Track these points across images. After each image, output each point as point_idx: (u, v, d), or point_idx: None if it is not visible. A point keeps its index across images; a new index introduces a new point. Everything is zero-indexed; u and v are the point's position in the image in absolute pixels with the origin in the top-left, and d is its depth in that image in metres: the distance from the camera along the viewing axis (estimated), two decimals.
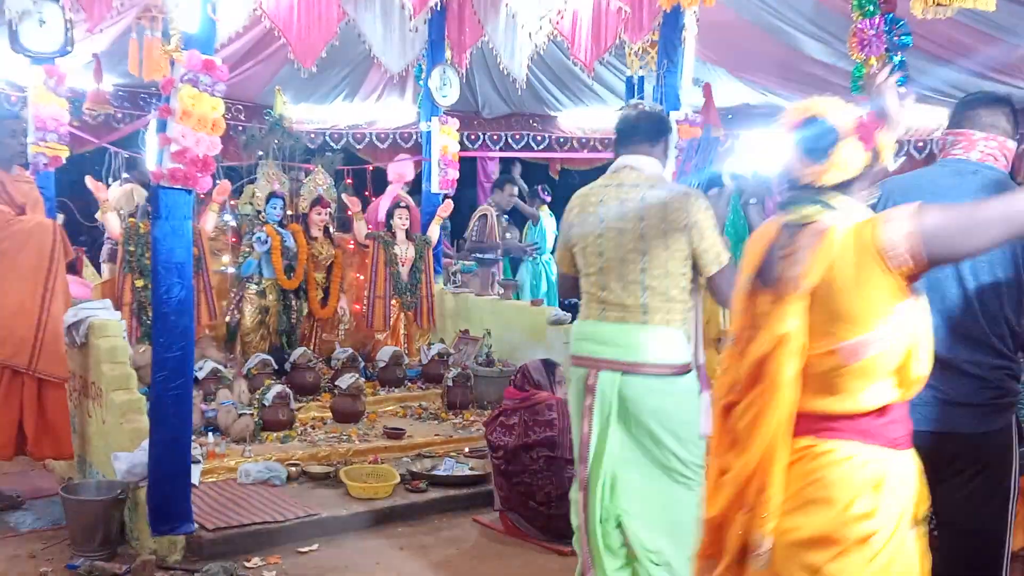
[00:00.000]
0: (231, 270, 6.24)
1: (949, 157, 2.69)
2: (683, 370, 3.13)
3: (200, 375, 5.31)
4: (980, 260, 2.52)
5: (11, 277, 4.32)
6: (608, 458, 3.13)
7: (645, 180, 3.18)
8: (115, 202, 6.27)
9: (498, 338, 6.42)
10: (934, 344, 2.51)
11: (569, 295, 3.50)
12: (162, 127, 3.89)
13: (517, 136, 10.28)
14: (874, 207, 2.65)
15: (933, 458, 2.56)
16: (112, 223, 5.71)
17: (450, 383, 6.00)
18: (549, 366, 4.69)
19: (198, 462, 4.50)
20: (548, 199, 9.32)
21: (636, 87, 6.01)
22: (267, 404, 5.26)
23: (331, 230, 6.63)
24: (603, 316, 3.19)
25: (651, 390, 3.08)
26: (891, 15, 4.45)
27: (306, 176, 6.59)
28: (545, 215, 9.00)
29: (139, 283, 5.43)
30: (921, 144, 8.60)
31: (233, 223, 6.37)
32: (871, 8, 4.29)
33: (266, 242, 6.07)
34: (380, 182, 7.28)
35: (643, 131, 3.24)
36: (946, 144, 2.72)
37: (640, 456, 3.14)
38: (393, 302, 6.65)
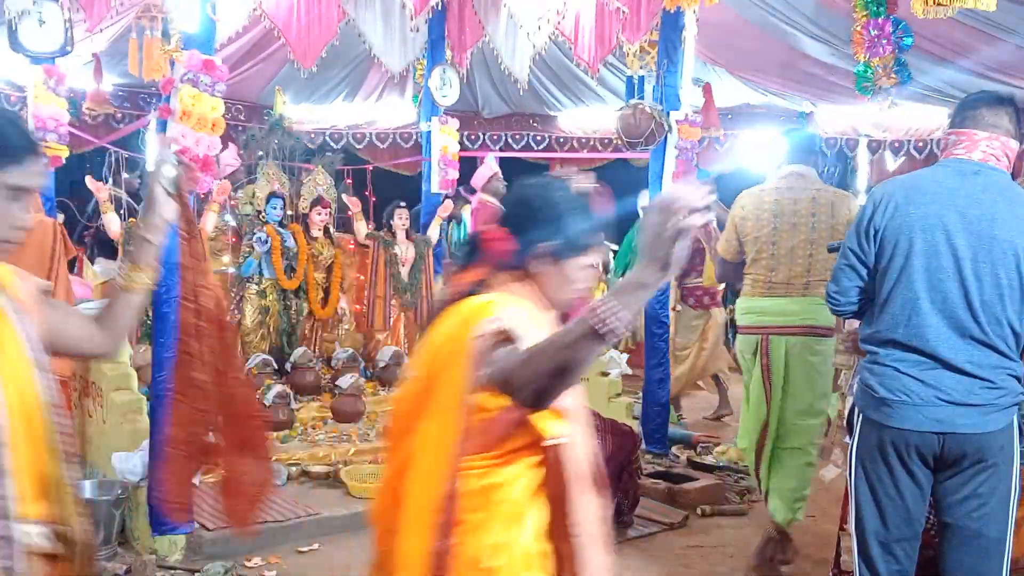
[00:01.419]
0: (231, 270, 6.24)
1: (951, 157, 2.66)
2: (831, 332, 3.89)
3: None
4: (981, 260, 2.52)
5: None
6: (775, 406, 3.95)
7: (811, 184, 3.97)
8: None
9: None
10: (936, 344, 2.53)
11: (728, 279, 4.32)
12: (162, 127, 3.89)
13: (517, 136, 10.26)
14: (875, 208, 2.66)
15: (934, 458, 2.58)
16: (112, 223, 5.70)
17: None
18: None
19: None
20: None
21: (636, 87, 6.00)
22: (267, 404, 5.25)
23: (331, 230, 6.63)
24: (770, 293, 3.96)
25: (807, 347, 3.92)
26: (893, 16, 4.45)
27: (306, 176, 6.59)
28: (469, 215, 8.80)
29: None
30: (921, 144, 8.59)
31: (233, 223, 6.36)
32: (876, 8, 4.29)
33: (266, 242, 6.06)
34: (380, 182, 7.27)
35: (804, 147, 4.08)
36: (948, 144, 2.69)
37: (791, 404, 3.95)
38: (393, 302, 6.64)
